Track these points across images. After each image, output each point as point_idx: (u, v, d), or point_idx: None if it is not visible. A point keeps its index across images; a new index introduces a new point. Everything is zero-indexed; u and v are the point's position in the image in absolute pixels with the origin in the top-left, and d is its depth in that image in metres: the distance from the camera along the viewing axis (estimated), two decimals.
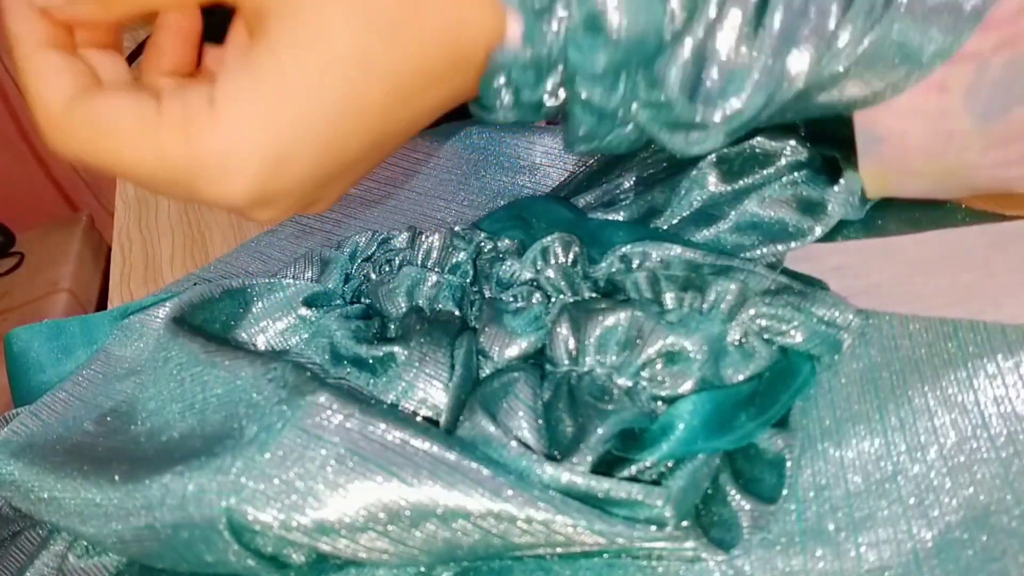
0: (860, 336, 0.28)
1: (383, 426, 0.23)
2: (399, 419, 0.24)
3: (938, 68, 0.23)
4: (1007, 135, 0.25)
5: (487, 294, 0.31)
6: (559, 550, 0.23)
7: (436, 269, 0.32)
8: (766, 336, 0.26)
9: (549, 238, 0.30)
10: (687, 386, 0.25)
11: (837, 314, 0.26)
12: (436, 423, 0.25)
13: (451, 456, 0.22)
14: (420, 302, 0.31)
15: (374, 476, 0.22)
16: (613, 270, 0.30)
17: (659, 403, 0.25)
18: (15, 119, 1.28)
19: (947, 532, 0.22)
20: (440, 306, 0.31)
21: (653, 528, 0.22)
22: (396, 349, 0.27)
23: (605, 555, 0.24)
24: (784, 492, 0.24)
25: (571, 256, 0.30)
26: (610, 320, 0.26)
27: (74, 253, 1.26)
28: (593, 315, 0.26)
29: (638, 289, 0.28)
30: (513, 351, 0.27)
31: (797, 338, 0.26)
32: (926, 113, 0.25)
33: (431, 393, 0.26)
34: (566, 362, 0.26)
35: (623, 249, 0.30)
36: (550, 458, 0.23)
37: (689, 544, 0.23)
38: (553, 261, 0.30)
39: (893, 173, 0.27)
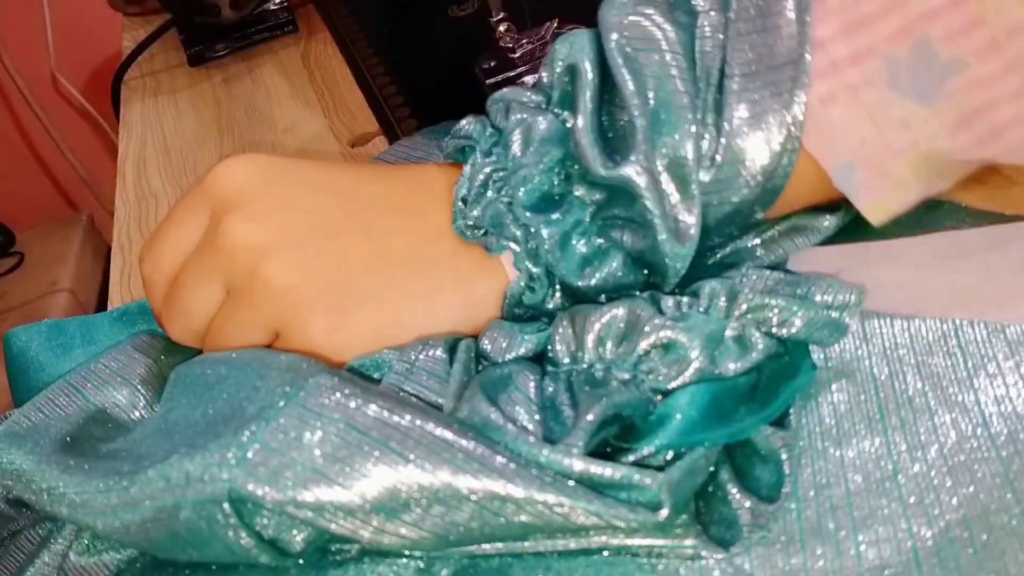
0: (861, 336, 0.28)
1: (385, 404, 0.23)
2: (400, 400, 0.24)
3: (849, 71, 0.25)
4: (960, 109, 0.25)
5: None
6: (559, 545, 0.23)
7: None
8: (764, 329, 0.26)
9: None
10: (685, 378, 0.25)
11: (837, 296, 0.26)
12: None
13: (450, 435, 0.22)
14: None
15: (373, 453, 0.22)
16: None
17: (658, 396, 0.25)
18: (15, 119, 1.28)
19: (947, 531, 0.22)
20: None
21: (650, 512, 0.22)
22: (391, 356, 0.27)
23: (605, 552, 0.24)
24: (784, 491, 0.24)
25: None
26: (608, 315, 0.26)
27: (74, 253, 1.26)
28: (591, 311, 0.26)
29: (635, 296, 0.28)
30: (513, 355, 0.27)
31: (797, 325, 0.26)
32: (867, 106, 0.25)
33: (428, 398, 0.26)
34: (567, 361, 0.26)
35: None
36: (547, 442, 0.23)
37: (689, 542, 0.23)
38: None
39: (887, 193, 0.27)
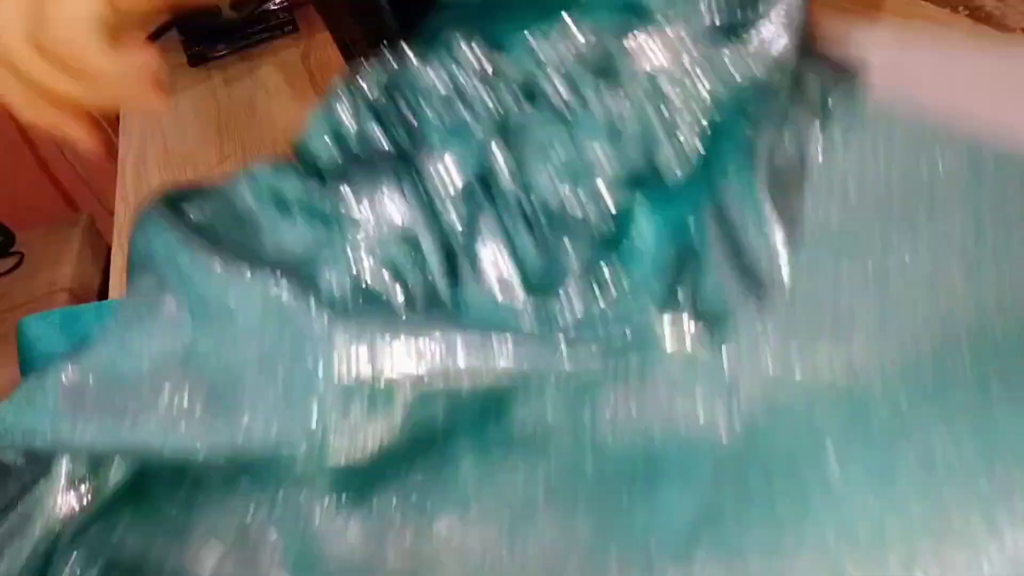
0: (864, 125, 0.27)
1: (400, 331, 0.24)
2: (415, 326, 0.25)
3: None
4: None
5: (403, 109, 0.31)
6: None
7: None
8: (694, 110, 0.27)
9: (451, 35, 0.30)
10: (622, 187, 0.26)
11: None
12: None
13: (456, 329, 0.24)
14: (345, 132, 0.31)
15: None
16: (529, 71, 0.30)
17: (610, 217, 0.27)
18: (15, 119, 1.27)
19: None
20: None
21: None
22: (343, 187, 0.28)
23: None
24: (782, 279, 0.24)
25: (480, 54, 0.30)
26: (543, 134, 0.27)
27: (74, 253, 1.26)
28: (527, 132, 0.27)
29: (558, 91, 0.29)
30: (454, 173, 0.28)
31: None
32: None
33: (390, 211, 0.27)
34: (511, 184, 0.27)
35: (532, 45, 0.30)
36: (531, 290, 0.25)
37: (685, 327, 0.24)
38: (464, 58, 0.30)
39: None
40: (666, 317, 0.23)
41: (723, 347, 0.24)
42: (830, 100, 0.26)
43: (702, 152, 0.26)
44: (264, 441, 0.24)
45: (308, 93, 0.59)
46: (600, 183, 0.26)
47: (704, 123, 0.26)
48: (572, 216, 0.26)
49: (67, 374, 0.28)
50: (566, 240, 0.25)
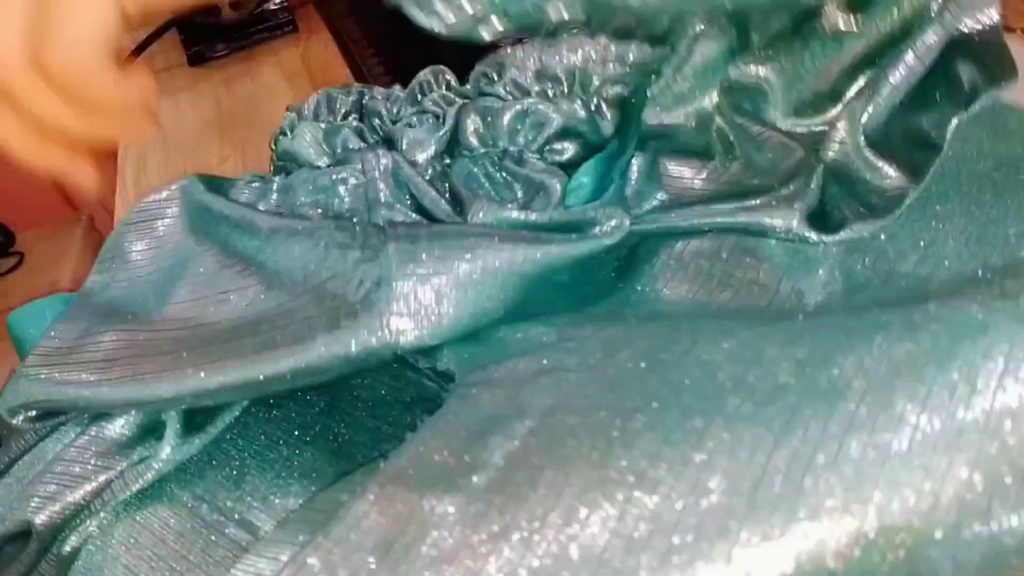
0: None
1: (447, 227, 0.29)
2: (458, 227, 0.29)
3: None
4: None
5: (375, 122, 0.36)
6: None
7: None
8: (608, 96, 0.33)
9: (422, 73, 0.36)
10: (573, 151, 0.34)
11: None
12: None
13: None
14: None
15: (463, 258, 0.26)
16: (481, 84, 0.35)
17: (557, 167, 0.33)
18: None
19: None
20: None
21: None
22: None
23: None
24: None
25: (444, 82, 0.36)
26: (517, 107, 0.33)
27: (74, 253, 1.26)
28: (502, 105, 0.33)
29: (507, 91, 0.34)
30: (429, 151, 0.34)
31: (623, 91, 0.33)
32: None
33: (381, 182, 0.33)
34: (480, 147, 0.33)
35: (481, 68, 0.36)
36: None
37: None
38: (430, 91, 0.36)
39: None
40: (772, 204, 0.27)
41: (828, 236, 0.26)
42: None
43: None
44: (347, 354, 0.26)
45: (308, 93, 0.59)
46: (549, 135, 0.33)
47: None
48: (533, 164, 0.33)
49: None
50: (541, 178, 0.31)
